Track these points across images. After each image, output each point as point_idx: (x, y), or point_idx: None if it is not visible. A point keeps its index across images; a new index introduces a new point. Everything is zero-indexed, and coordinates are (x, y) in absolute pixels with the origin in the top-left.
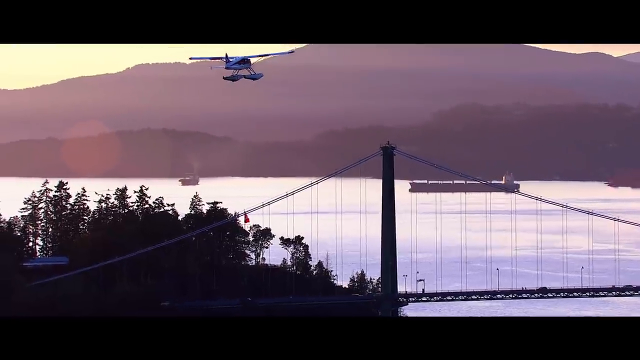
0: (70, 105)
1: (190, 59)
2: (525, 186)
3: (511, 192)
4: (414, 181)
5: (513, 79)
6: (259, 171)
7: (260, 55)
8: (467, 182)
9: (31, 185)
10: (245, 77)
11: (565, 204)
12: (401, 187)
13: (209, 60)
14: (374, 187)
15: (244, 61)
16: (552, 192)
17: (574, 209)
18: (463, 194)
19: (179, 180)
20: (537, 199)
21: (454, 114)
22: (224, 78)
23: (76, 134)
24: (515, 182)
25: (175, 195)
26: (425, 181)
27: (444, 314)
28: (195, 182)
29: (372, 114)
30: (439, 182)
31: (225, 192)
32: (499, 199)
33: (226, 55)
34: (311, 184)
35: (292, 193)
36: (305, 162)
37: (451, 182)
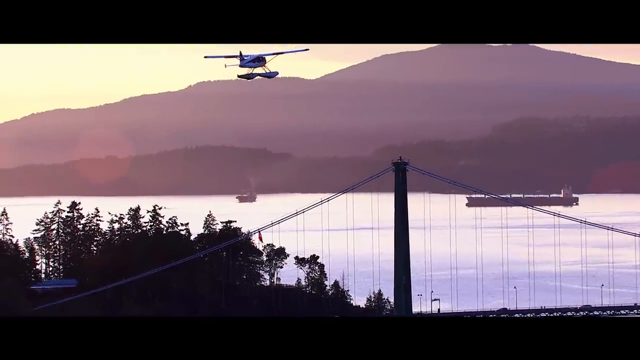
0: (132, 123)
1: (205, 57)
2: (584, 199)
3: (570, 205)
4: (471, 195)
5: (574, 91)
6: (317, 187)
7: (274, 54)
8: (525, 195)
9: (89, 204)
10: (260, 75)
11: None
12: (458, 201)
13: (223, 58)
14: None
15: (259, 59)
16: (612, 206)
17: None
18: (523, 208)
19: (236, 197)
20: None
21: (514, 127)
22: (239, 76)
23: (136, 152)
24: (574, 195)
25: (231, 213)
26: (483, 195)
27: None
28: (253, 199)
29: (431, 128)
30: (497, 196)
31: (281, 208)
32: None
33: (240, 53)
34: (321, 202)
35: (303, 211)
36: (364, 178)
37: (509, 195)
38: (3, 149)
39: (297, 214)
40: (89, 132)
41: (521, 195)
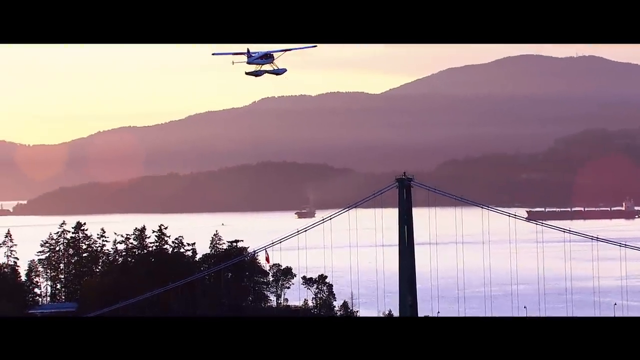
0: (195, 140)
1: (213, 54)
2: None
3: (632, 218)
4: (531, 209)
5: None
6: (379, 202)
7: (282, 50)
8: (586, 209)
9: (147, 221)
10: (268, 72)
11: None
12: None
13: (231, 55)
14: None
15: (267, 56)
16: None
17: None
18: (582, 221)
19: (295, 213)
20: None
21: (577, 140)
22: (247, 73)
23: (197, 169)
24: (636, 207)
25: (285, 229)
26: (543, 209)
27: None
28: (312, 215)
29: (494, 141)
30: (557, 209)
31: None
32: (619, 225)
33: (248, 50)
34: (322, 220)
35: (305, 230)
36: (427, 193)
37: (569, 209)
38: (68, 167)
39: (298, 232)
40: (152, 150)
41: (582, 209)
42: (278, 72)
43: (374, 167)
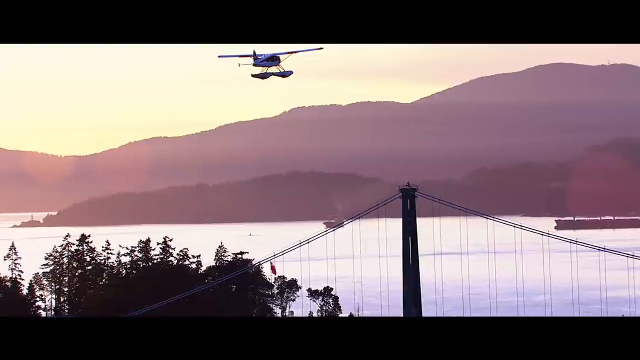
0: (225, 150)
1: (219, 57)
2: None
3: None
4: (560, 218)
5: None
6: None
7: (288, 52)
8: (616, 217)
9: (173, 232)
10: (274, 74)
11: None
12: (547, 223)
13: (237, 57)
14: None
15: (273, 58)
16: None
17: None
18: (612, 230)
19: (323, 223)
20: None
21: (608, 148)
22: (253, 76)
23: (226, 179)
24: None
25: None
26: (572, 218)
27: None
28: (340, 224)
29: (524, 150)
30: (586, 218)
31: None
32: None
33: (254, 52)
34: (326, 232)
35: (307, 241)
36: (457, 202)
37: (598, 218)
38: (98, 178)
39: (300, 244)
40: (182, 160)
41: (612, 217)
42: (284, 74)
43: (403, 176)
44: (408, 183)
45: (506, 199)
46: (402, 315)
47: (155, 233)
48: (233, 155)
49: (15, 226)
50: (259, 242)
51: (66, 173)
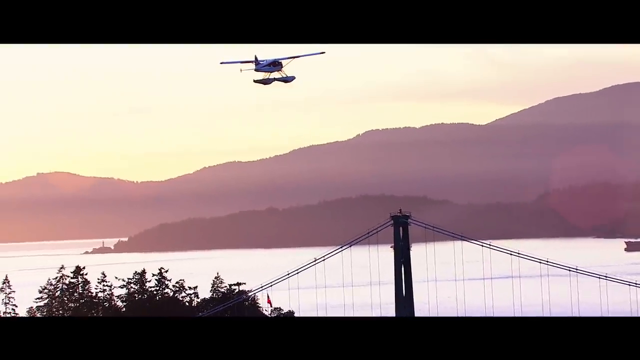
0: (297, 174)
1: (221, 63)
2: None
3: None
4: (630, 240)
5: None
6: (478, 234)
7: (290, 57)
8: None
9: (239, 257)
10: (277, 80)
11: None
12: (616, 246)
13: (239, 63)
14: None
15: (275, 64)
16: None
17: None
18: None
19: (390, 247)
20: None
21: None
22: (255, 81)
23: (296, 203)
24: None
25: (382, 263)
26: None
27: None
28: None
29: (596, 171)
30: None
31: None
32: None
33: (255, 57)
34: (315, 261)
35: (296, 272)
36: (527, 224)
37: None
38: (172, 203)
39: (289, 275)
40: (254, 185)
41: None
42: (287, 79)
43: (474, 198)
44: (400, 210)
45: (577, 220)
46: None
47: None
48: (304, 179)
49: (87, 252)
50: (324, 266)
51: (139, 199)
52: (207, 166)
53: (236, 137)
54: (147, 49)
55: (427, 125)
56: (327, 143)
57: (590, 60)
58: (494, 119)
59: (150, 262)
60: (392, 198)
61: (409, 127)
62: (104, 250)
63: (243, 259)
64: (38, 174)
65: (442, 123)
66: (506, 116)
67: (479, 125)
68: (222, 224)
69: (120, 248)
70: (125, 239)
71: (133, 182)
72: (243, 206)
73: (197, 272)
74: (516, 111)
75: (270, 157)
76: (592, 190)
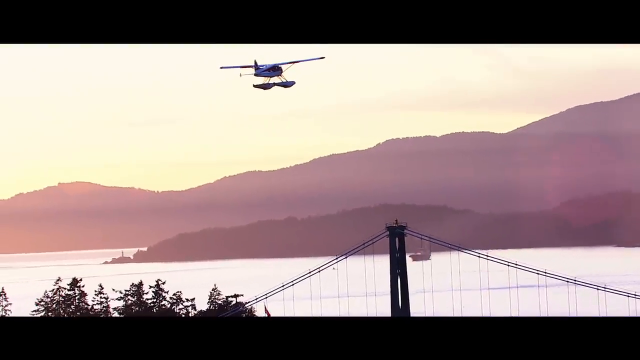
0: (317, 183)
1: (221, 68)
2: None
3: None
4: None
5: None
6: (498, 243)
7: (290, 62)
8: None
9: (256, 267)
10: (277, 84)
11: None
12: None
13: (239, 68)
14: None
15: (275, 68)
16: None
17: None
18: None
19: (410, 256)
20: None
21: None
22: (255, 86)
23: (316, 213)
24: None
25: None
26: None
27: None
28: (427, 258)
29: (617, 180)
30: None
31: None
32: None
33: (255, 62)
34: (309, 272)
35: (291, 284)
36: (547, 232)
37: None
38: (192, 212)
39: (284, 287)
40: (274, 194)
41: None
42: (286, 84)
43: (495, 207)
44: (396, 220)
45: (598, 229)
46: None
47: (240, 268)
48: (324, 188)
49: (106, 262)
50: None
51: (160, 208)
52: (227, 175)
53: (257, 146)
54: (166, 59)
55: (447, 134)
56: (348, 152)
57: (611, 68)
58: (515, 128)
59: (169, 272)
60: (413, 207)
61: (429, 136)
62: (123, 260)
63: (261, 269)
64: (59, 184)
65: (463, 132)
66: (527, 125)
67: (500, 134)
68: (241, 233)
69: (139, 258)
70: (145, 249)
71: (154, 192)
72: (262, 215)
73: (214, 281)
74: (537, 119)
75: (290, 167)
76: (613, 199)
